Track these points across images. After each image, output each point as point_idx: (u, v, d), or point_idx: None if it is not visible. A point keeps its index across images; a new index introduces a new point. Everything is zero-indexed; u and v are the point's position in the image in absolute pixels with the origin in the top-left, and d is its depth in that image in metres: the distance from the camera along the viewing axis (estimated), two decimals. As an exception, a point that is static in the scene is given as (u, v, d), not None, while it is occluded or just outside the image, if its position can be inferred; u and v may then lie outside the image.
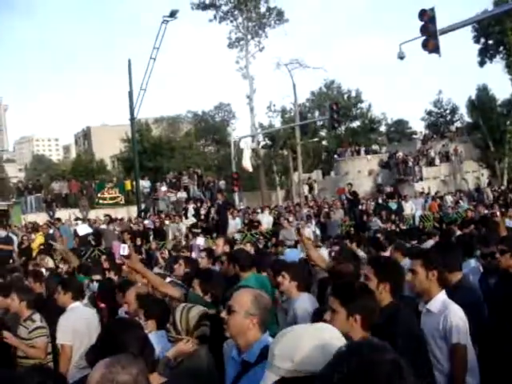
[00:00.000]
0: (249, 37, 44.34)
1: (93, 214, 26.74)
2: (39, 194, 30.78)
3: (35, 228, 21.89)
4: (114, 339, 3.25)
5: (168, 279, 6.72)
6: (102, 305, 7.76)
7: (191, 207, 24.80)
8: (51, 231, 20.37)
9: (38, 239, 18.86)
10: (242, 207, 27.96)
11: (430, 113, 57.95)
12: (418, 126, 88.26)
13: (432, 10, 15.94)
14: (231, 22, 44.45)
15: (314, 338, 2.33)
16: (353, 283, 3.65)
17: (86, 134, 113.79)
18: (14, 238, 19.04)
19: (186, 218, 22.82)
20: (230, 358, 3.61)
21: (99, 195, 31.06)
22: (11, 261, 17.54)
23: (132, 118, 29.40)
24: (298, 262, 7.53)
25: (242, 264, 6.83)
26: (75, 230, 20.03)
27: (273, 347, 2.39)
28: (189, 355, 3.95)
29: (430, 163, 39.87)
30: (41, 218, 26.63)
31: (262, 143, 47.55)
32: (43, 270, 11.07)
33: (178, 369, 3.88)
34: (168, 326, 4.15)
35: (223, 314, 3.55)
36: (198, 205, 25.23)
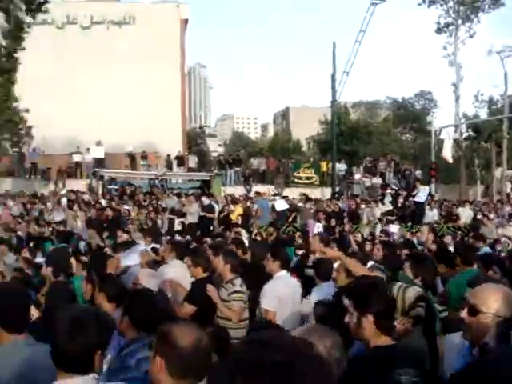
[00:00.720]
0: (459, 22, 42.21)
1: (287, 192, 27.28)
2: (238, 169, 32.10)
3: (234, 200, 22.91)
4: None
5: (369, 263, 6.60)
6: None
7: (389, 193, 24.37)
8: (249, 204, 21.26)
9: (238, 210, 19.72)
10: (436, 199, 26.90)
11: None
12: None
13: None
14: (441, 5, 42.54)
15: None
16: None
17: (284, 114, 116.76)
18: (216, 206, 20.04)
19: (383, 203, 22.44)
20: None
21: (295, 174, 31.65)
22: (211, 228, 18.56)
23: (333, 101, 29.53)
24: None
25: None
26: (273, 205, 20.59)
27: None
28: (403, 334, 3.83)
29: None
30: (238, 191, 27.77)
31: (465, 134, 45.21)
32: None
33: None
34: None
35: (463, 314, 3.14)
36: (395, 192, 24.73)
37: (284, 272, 6.54)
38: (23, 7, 27.37)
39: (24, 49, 26.97)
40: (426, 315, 3.97)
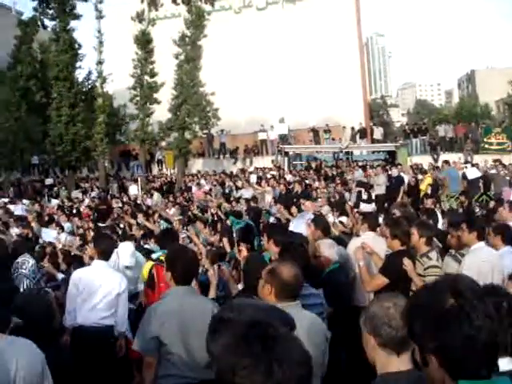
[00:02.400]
0: None
1: (477, 159, 25.78)
2: (424, 137, 30.96)
3: (422, 170, 22.04)
4: None
5: None
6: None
7: None
8: (438, 174, 20.31)
9: (427, 180, 18.95)
10: None
11: None
12: None
13: None
14: None
15: None
16: None
17: (469, 78, 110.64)
18: (405, 177, 19.43)
19: None
20: None
21: (485, 140, 29.79)
22: (399, 199, 17.98)
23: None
24: None
25: None
26: (464, 174, 19.50)
27: None
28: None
29: None
30: (425, 160, 26.76)
31: None
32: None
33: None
34: None
35: None
36: None
37: (482, 244, 6.03)
38: (202, -3, 28.62)
39: (206, 36, 28.11)
40: None
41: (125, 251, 8.04)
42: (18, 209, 19.63)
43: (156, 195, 23.26)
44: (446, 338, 1.68)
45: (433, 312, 1.73)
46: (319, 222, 7.28)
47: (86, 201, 23.34)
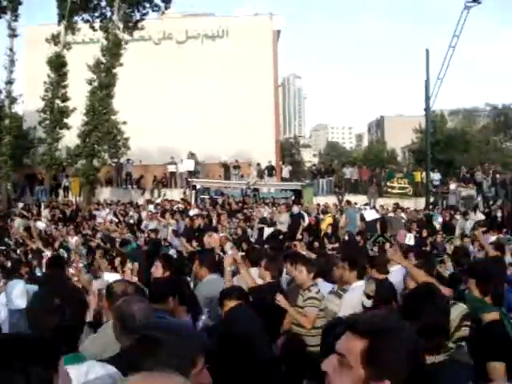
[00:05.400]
0: None
1: (380, 202, 26.88)
2: (331, 178, 31.97)
3: (325, 210, 22.78)
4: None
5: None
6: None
7: (480, 202, 23.50)
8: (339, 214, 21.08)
9: (327, 220, 19.63)
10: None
11: None
12: None
13: None
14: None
15: None
16: None
17: (379, 124, 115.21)
18: (306, 216, 20.00)
19: (475, 213, 21.58)
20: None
21: (388, 184, 31.08)
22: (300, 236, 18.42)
23: (427, 109, 28.87)
24: None
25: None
26: (362, 215, 20.34)
27: None
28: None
29: None
30: (331, 200, 27.61)
31: None
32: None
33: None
34: None
35: None
36: (490, 202, 23.79)
37: (362, 282, 6.43)
38: (121, 25, 28.61)
39: (122, 65, 28.08)
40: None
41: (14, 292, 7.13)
42: None
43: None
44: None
45: None
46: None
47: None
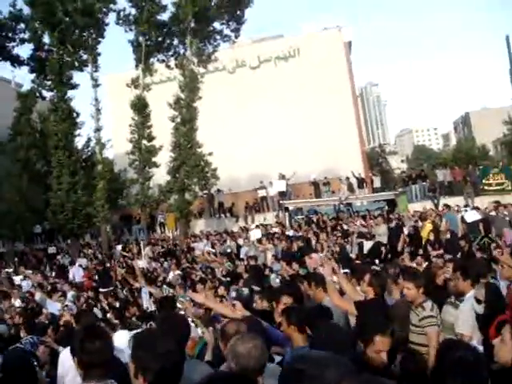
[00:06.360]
0: None
1: (478, 201, 25.84)
2: (424, 183, 31.13)
3: (423, 216, 22.06)
4: None
5: None
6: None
7: None
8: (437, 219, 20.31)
9: (427, 227, 18.93)
10: None
11: None
12: None
13: None
14: None
15: None
16: None
17: (464, 120, 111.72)
18: (405, 227, 19.42)
19: None
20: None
21: (484, 181, 29.88)
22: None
23: (516, 98, 27.69)
24: None
25: None
26: (462, 217, 19.54)
27: None
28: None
29: None
30: (426, 206, 26.82)
31: None
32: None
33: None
34: None
35: None
36: None
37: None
38: (195, 60, 29.20)
39: (200, 98, 28.59)
40: None
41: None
42: (24, 284, 19.33)
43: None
44: None
45: None
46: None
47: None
